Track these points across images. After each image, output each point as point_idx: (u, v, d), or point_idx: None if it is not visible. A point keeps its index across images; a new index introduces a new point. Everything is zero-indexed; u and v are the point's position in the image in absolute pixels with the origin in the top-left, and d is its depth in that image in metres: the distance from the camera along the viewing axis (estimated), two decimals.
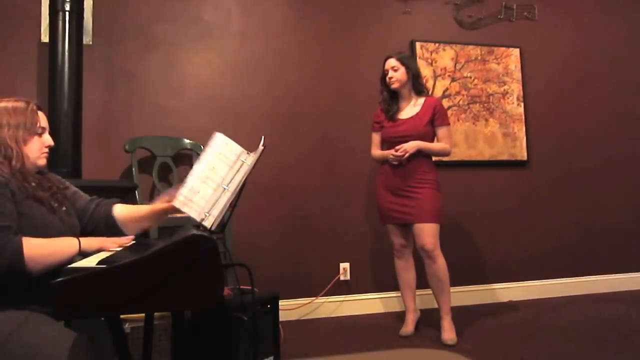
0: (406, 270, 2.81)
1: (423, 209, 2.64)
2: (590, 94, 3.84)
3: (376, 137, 2.90)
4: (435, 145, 2.74)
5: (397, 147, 2.67)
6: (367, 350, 2.52)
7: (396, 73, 2.75)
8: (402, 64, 2.75)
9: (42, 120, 1.48)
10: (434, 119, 2.73)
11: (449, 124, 2.79)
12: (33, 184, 1.39)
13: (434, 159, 2.83)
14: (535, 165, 3.68)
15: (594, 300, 3.44)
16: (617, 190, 3.83)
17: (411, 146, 2.66)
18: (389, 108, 2.81)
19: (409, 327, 2.76)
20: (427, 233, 2.61)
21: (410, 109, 2.79)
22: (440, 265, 2.63)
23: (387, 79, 2.78)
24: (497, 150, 3.58)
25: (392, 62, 2.77)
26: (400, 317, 2.92)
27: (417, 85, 2.79)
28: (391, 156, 2.69)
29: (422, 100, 2.78)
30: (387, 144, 2.81)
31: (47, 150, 1.48)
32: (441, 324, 2.64)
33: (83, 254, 1.34)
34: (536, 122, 3.69)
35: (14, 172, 1.35)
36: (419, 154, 2.69)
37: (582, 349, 2.42)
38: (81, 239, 1.36)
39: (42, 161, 1.47)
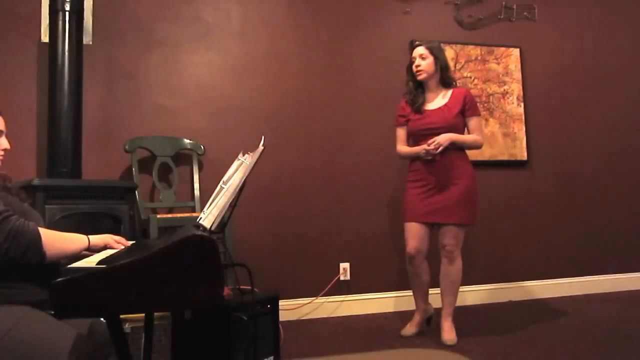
0: (419, 276, 2.66)
1: (454, 208, 2.53)
2: (590, 93, 3.85)
3: (402, 132, 2.72)
4: (468, 137, 2.61)
5: (430, 141, 2.51)
6: (367, 350, 2.52)
7: (424, 62, 2.60)
8: (431, 53, 2.61)
9: (1, 123, 1.50)
10: (465, 110, 2.60)
11: (480, 115, 2.68)
12: None
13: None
14: (535, 165, 3.67)
15: (594, 300, 3.44)
16: (617, 190, 3.83)
17: (445, 139, 2.50)
18: (415, 99, 2.65)
19: (412, 328, 2.70)
20: (452, 233, 2.55)
21: (438, 100, 2.65)
22: (456, 266, 2.59)
23: (414, 67, 2.63)
24: (497, 150, 3.58)
25: (420, 49, 2.62)
26: (400, 316, 2.92)
27: (445, 77, 2.66)
28: (423, 152, 2.53)
29: (449, 91, 2.65)
30: (414, 137, 2.67)
31: (2, 153, 1.50)
32: (442, 324, 2.63)
33: (90, 250, 1.40)
34: (536, 122, 3.69)
35: None
36: (451, 146, 2.54)
37: (582, 349, 2.42)
38: (89, 236, 1.41)
39: None
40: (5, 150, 1.51)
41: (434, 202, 2.56)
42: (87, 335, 1.33)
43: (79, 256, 1.39)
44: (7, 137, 1.52)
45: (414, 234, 2.61)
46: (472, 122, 2.63)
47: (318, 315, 3.17)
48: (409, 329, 2.71)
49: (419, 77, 2.63)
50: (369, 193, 3.32)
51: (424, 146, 2.54)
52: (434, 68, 2.62)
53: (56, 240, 1.28)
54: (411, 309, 2.83)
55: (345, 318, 3.17)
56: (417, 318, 2.73)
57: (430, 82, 2.65)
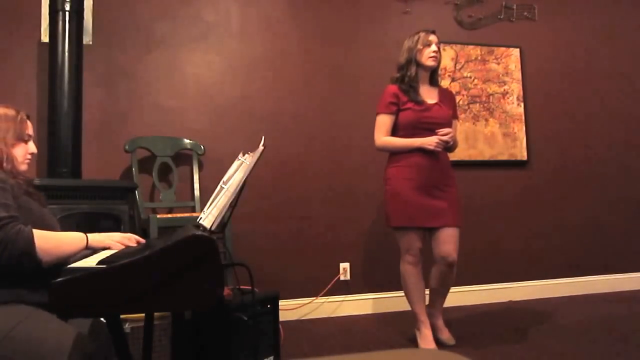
0: (420, 279, 2.49)
1: (455, 210, 2.44)
2: (590, 93, 3.85)
3: (388, 121, 2.45)
4: (456, 139, 2.54)
5: (446, 131, 2.34)
6: (367, 350, 2.52)
7: (438, 52, 2.50)
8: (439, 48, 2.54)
9: (30, 128, 1.53)
10: (453, 112, 2.57)
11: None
12: (22, 182, 1.43)
13: None
14: (535, 165, 3.68)
15: (594, 300, 3.44)
16: (617, 190, 3.83)
17: (454, 134, 2.40)
18: (415, 86, 2.46)
19: (433, 344, 2.44)
20: (454, 239, 2.41)
21: (429, 95, 2.51)
22: (454, 273, 2.50)
23: (432, 51, 2.46)
24: (497, 150, 3.58)
25: (436, 39, 2.49)
26: (400, 316, 2.91)
27: (437, 76, 2.58)
28: (437, 141, 2.33)
29: (436, 90, 2.54)
30: (412, 129, 2.43)
31: (29, 157, 1.53)
32: (436, 323, 2.56)
33: (90, 249, 1.39)
34: (536, 122, 3.69)
35: (6, 172, 1.40)
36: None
37: (582, 349, 2.42)
38: (88, 234, 1.40)
39: (24, 167, 1.51)
40: (32, 154, 1.53)
41: (436, 204, 2.41)
42: (88, 335, 1.33)
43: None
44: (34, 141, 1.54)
45: (420, 238, 2.47)
46: (455, 124, 2.60)
47: (318, 315, 3.17)
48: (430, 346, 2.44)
49: (432, 63, 2.47)
50: (369, 193, 3.32)
51: (435, 138, 2.35)
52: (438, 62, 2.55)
53: (52, 246, 1.27)
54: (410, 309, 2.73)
55: (345, 318, 3.17)
56: (429, 333, 2.47)
57: (426, 75, 2.54)
